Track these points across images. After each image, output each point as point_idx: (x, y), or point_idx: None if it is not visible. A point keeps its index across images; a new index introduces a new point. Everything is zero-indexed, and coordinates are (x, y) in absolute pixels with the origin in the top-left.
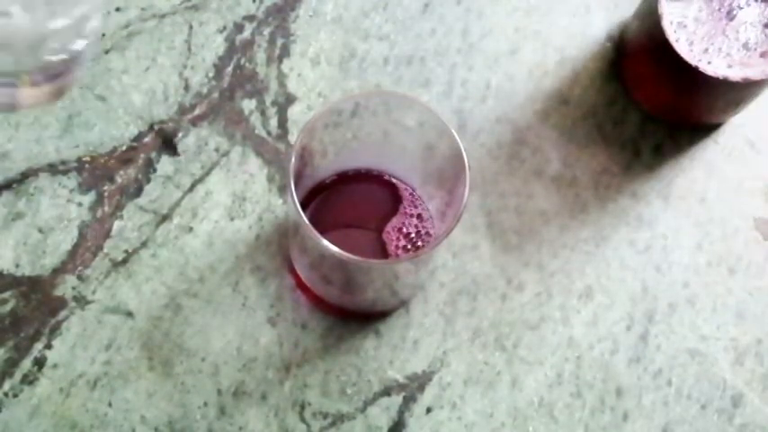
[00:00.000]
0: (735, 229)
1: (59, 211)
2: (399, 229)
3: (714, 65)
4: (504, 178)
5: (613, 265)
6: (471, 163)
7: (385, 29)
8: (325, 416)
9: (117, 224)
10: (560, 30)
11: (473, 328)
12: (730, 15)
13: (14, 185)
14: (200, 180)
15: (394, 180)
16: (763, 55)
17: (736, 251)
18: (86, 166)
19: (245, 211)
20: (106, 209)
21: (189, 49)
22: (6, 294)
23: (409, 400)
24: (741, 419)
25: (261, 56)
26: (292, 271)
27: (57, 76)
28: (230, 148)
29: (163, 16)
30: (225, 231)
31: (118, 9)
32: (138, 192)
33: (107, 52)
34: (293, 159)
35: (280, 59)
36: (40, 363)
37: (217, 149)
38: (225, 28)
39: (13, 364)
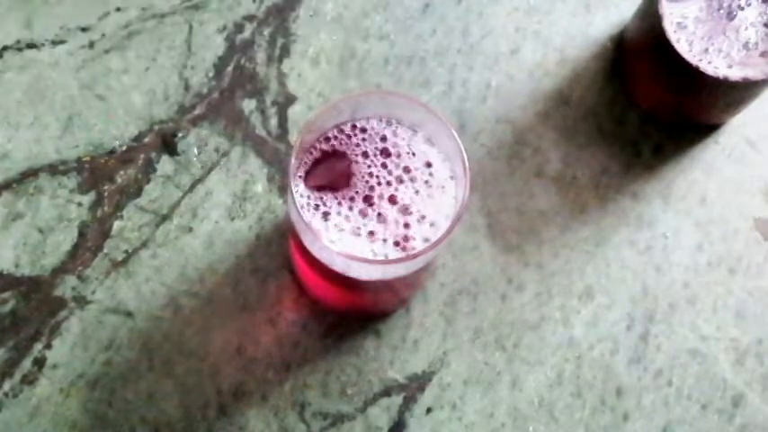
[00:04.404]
0: (735, 230)
1: (59, 211)
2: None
3: (714, 65)
4: (504, 178)
5: (613, 266)
6: (471, 163)
7: (385, 29)
8: (326, 416)
9: (117, 224)
10: (560, 30)
11: (473, 328)
12: (730, 15)
13: (14, 185)
14: (201, 180)
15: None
16: (763, 55)
17: (736, 251)
18: (86, 166)
19: (245, 211)
20: (106, 209)
21: (189, 49)
22: (6, 294)
23: (409, 401)
24: (741, 419)
25: (261, 56)
26: (292, 271)
27: None
28: (230, 149)
29: (163, 16)
30: (225, 231)
31: (118, 9)
32: (138, 192)
33: (107, 52)
34: (293, 159)
35: (280, 59)
36: (39, 363)
37: (217, 149)
38: (225, 28)
39: (12, 364)
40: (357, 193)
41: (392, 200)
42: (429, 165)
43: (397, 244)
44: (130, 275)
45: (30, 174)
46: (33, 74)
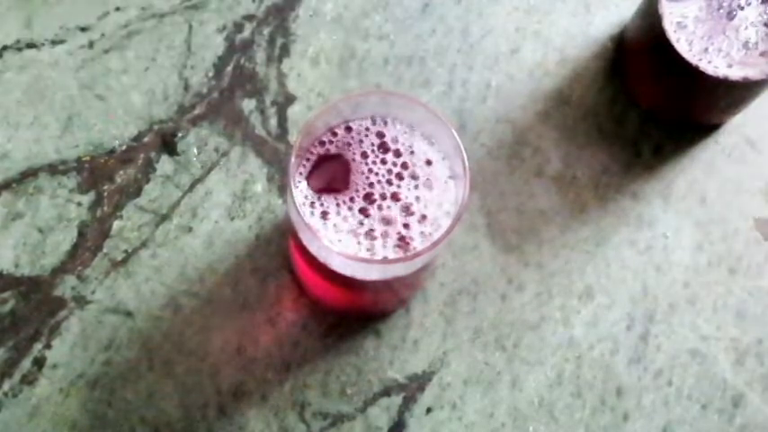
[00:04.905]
0: (735, 230)
1: (59, 210)
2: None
3: (714, 64)
4: (504, 178)
5: (613, 266)
6: (471, 163)
7: (385, 29)
8: (326, 416)
9: (116, 224)
10: (560, 30)
11: (473, 328)
12: (730, 15)
13: (14, 185)
14: (200, 180)
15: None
16: (763, 54)
17: (736, 251)
18: (86, 165)
19: (244, 211)
20: (106, 209)
21: (189, 48)
22: (6, 294)
23: (409, 401)
24: (741, 419)
25: (261, 56)
26: (292, 271)
27: None
28: (230, 148)
29: (163, 16)
30: (225, 231)
31: (118, 9)
32: (138, 192)
33: (107, 52)
34: (293, 159)
35: (280, 59)
36: (39, 363)
37: (216, 149)
38: (225, 28)
39: (12, 364)
40: (357, 192)
41: (392, 198)
42: (429, 164)
43: (396, 244)
44: (130, 275)
45: (29, 174)
46: (33, 74)
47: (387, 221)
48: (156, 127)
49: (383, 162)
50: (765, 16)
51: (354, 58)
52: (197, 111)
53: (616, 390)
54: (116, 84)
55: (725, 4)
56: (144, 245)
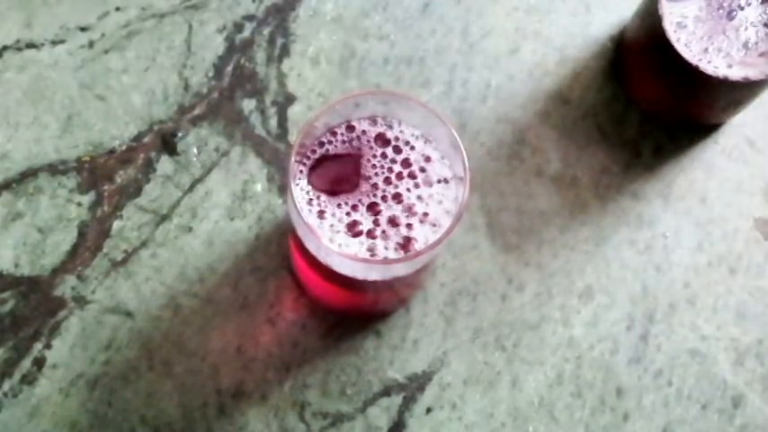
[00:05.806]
0: (735, 229)
1: (59, 211)
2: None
3: (714, 64)
4: (504, 178)
5: (613, 265)
6: (471, 163)
7: (385, 29)
8: (326, 416)
9: (116, 224)
10: (560, 30)
11: (473, 328)
12: (730, 15)
13: (14, 185)
14: (200, 180)
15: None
16: (762, 55)
17: (736, 251)
18: (86, 166)
19: (244, 211)
20: (106, 209)
21: (189, 48)
22: (6, 294)
23: (409, 401)
24: (741, 420)
25: (261, 56)
26: (292, 271)
27: None
28: (230, 148)
29: (163, 16)
30: (225, 231)
31: (118, 9)
32: (138, 192)
33: (107, 52)
34: (293, 159)
35: (280, 59)
36: (39, 363)
37: (216, 149)
38: (225, 28)
39: (12, 364)
40: (357, 192)
41: (392, 197)
42: (429, 163)
43: (397, 244)
44: (130, 275)
45: (29, 174)
46: (33, 74)
47: (387, 221)
48: (156, 127)
49: (383, 162)
50: (765, 16)
51: (354, 58)
52: (197, 111)
53: (616, 390)
54: (116, 84)
55: (725, 4)
56: (144, 245)
